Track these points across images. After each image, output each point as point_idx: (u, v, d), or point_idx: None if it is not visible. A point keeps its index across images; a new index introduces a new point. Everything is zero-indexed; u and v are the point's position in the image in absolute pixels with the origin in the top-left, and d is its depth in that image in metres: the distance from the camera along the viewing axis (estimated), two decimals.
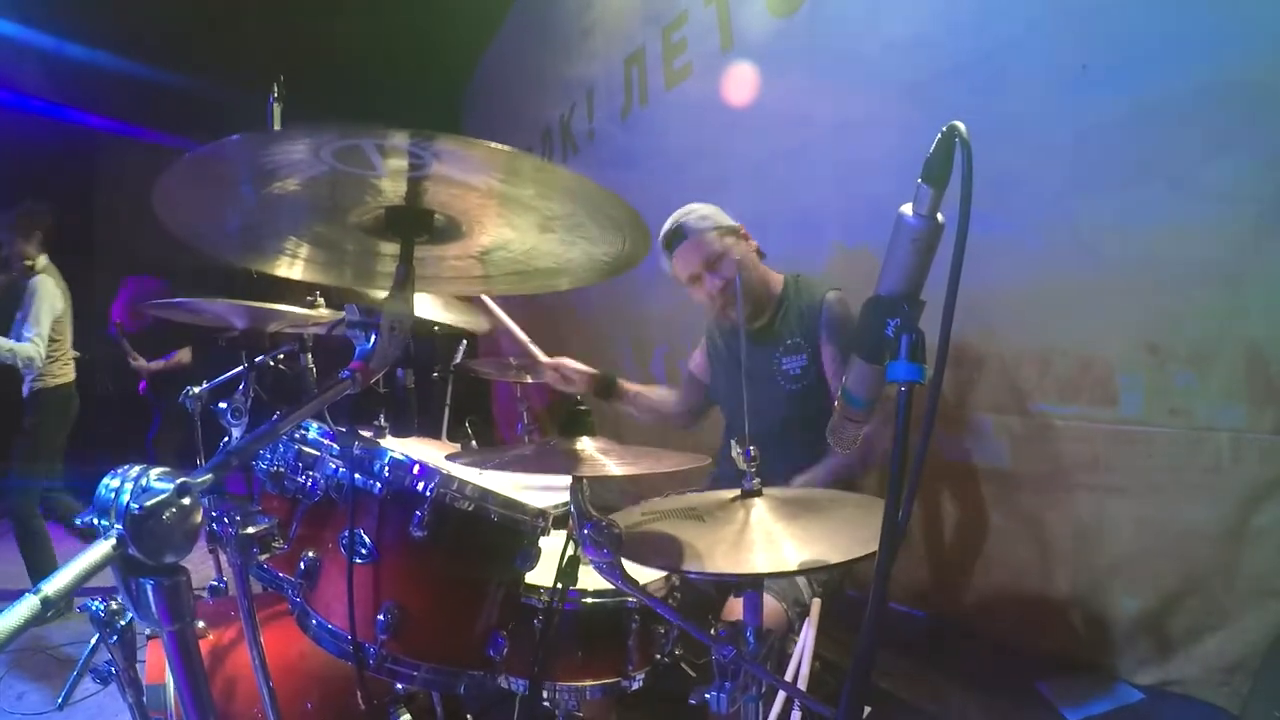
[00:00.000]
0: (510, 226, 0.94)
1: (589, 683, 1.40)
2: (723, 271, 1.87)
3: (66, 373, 3.42)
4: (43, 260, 3.39)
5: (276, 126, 1.39)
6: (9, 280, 3.30)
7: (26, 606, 0.52)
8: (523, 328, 2.03)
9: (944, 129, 0.69)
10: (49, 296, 3.29)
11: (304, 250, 1.03)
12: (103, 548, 0.57)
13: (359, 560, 1.21)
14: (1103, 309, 1.81)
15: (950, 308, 0.68)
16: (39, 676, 2.77)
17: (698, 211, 1.92)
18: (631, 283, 3.44)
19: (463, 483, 1.24)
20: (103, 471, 0.60)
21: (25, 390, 3.32)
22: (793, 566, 0.95)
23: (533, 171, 0.81)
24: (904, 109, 2.22)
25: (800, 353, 1.90)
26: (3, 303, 3.31)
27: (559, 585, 1.21)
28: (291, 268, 1.09)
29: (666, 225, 1.94)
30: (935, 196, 0.72)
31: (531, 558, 1.33)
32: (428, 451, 1.89)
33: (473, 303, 2.06)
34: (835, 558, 0.93)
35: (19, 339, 3.21)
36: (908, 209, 0.74)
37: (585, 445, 1.14)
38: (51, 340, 3.31)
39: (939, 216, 0.74)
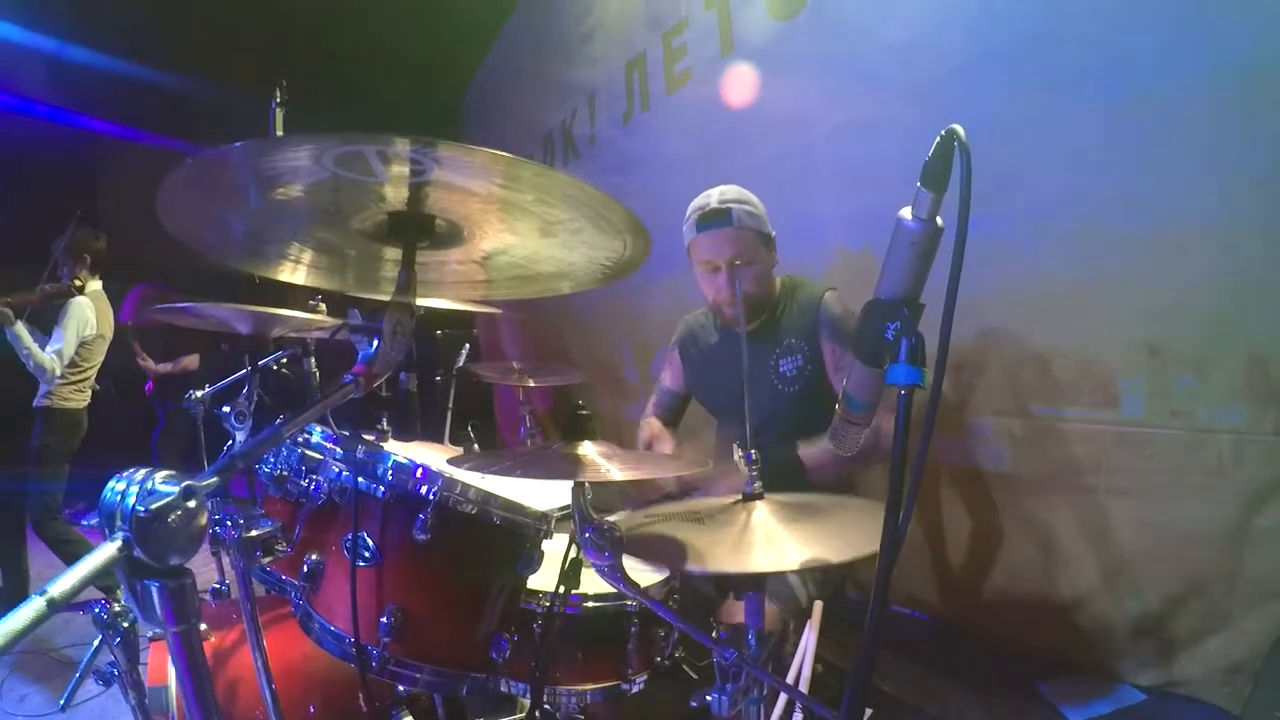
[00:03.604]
0: (512, 231, 0.94)
1: (589, 686, 1.40)
2: (741, 275, 1.80)
3: (79, 398, 3.47)
4: (93, 285, 3.50)
5: (279, 131, 1.40)
6: (56, 292, 3.38)
7: (32, 609, 0.53)
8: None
9: (942, 133, 0.69)
10: (79, 319, 3.37)
11: (307, 255, 1.04)
12: (108, 550, 0.57)
13: (362, 563, 1.21)
14: (1103, 311, 1.81)
15: (950, 311, 0.68)
16: (41, 678, 2.77)
17: (750, 204, 1.85)
18: (633, 285, 3.45)
19: (466, 486, 1.24)
20: (107, 475, 0.60)
21: (36, 401, 3.37)
22: (793, 566, 0.96)
23: (533, 177, 0.81)
24: (904, 111, 2.22)
25: (796, 353, 1.90)
26: (49, 313, 3.39)
27: (561, 589, 1.22)
28: (295, 273, 1.09)
29: (712, 199, 1.84)
30: (934, 200, 0.72)
31: (534, 561, 1.33)
32: (430, 455, 1.90)
33: None
34: (835, 558, 0.94)
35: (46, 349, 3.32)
36: (907, 213, 0.74)
37: (587, 450, 1.14)
38: (74, 364, 3.38)
39: (938, 220, 0.74)
